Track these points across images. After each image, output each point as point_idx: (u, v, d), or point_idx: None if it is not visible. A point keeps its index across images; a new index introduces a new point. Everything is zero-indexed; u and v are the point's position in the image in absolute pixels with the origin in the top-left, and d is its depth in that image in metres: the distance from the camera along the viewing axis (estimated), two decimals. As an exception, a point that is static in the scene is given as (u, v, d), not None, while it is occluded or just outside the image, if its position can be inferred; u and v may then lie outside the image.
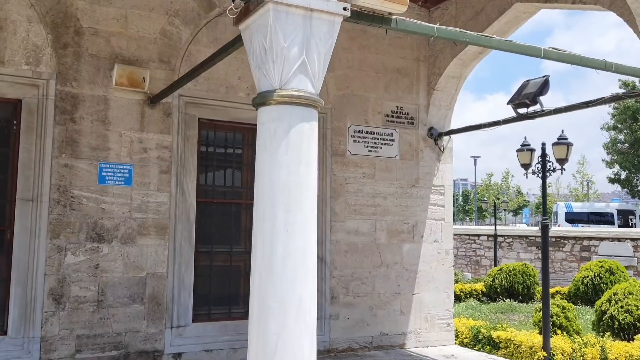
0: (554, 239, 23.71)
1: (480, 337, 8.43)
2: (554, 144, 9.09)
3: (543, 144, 9.53)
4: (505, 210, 43.92)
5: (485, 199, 43.22)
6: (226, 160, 7.12)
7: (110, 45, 6.32)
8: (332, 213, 7.44)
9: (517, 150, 9.81)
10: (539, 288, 17.71)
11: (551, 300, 9.00)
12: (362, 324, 7.56)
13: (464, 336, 8.68)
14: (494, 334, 8.32)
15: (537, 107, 6.69)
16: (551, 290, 18.04)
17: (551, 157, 9.32)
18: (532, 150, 9.73)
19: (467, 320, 9.53)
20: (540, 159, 9.50)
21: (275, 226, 3.23)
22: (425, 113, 8.22)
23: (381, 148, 7.85)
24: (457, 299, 16.08)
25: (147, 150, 6.40)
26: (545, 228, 9.18)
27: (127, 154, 6.31)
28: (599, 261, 17.27)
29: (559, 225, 31.87)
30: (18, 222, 5.85)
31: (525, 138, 10.10)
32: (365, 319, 7.57)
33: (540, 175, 9.47)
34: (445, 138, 8.33)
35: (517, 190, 62.07)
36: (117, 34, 6.37)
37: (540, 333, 9.46)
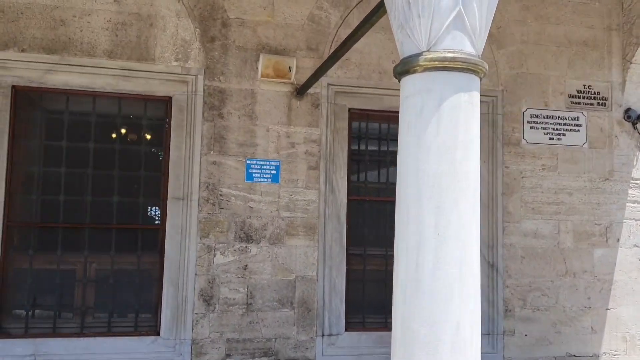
0: None
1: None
2: None
3: None
4: None
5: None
6: (379, 154, 6.46)
7: (257, 36, 6.00)
8: (505, 212, 6.40)
9: None
10: None
11: None
12: (543, 342, 6.41)
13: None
14: None
15: None
16: None
17: None
18: None
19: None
20: None
21: (423, 229, 2.50)
22: (620, 91, 6.79)
23: (565, 135, 6.61)
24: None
25: (294, 145, 5.96)
26: None
27: (275, 150, 5.93)
28: None
29: None
30: (169, 220, 5.75)
31: None
32: (546, 337, 6.41)
33: None
34: (648, 121, 6.82)
35: None
36: (264, 23, 6.03)
37: None
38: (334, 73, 5.91)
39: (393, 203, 6.28)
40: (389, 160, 6.42)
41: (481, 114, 6.57)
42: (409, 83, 2.65)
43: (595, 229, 6.60)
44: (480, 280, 6.35)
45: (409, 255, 2.52)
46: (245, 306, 5.75)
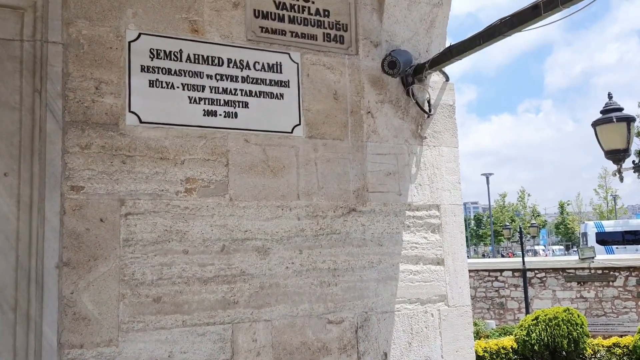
0: (600, 271, 18.29)
1: None
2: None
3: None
4: (533, 237, 37.88)
5: (507, 223, 37.37)
6: None
7: None
8: (72, 319, 2.20)
9: (596, 124, 4.42)
10: (590, 340, 12.96)
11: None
12: None
13: None
14: None
15: None
16: (606, 343, 13.02)
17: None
18: (630, 120, 4.35)
19: None
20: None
21: None
22: (375, 14, 3.04)
23: (247, 106, 2.66)
24: (481, 361, 11.55)
25: None
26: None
27: None
28: (681, 302, 12.13)
29: (589, 249, 26.71)
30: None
31: (610, 97, 4.64)
32: None
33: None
34: (435, 80, 3.13)
35: (532, 210, 57.02)
36: None
37: None
38: None
39: None
40: None
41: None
42: None
43: (330, 336, 2.65)
44: None
45: None
46: None
